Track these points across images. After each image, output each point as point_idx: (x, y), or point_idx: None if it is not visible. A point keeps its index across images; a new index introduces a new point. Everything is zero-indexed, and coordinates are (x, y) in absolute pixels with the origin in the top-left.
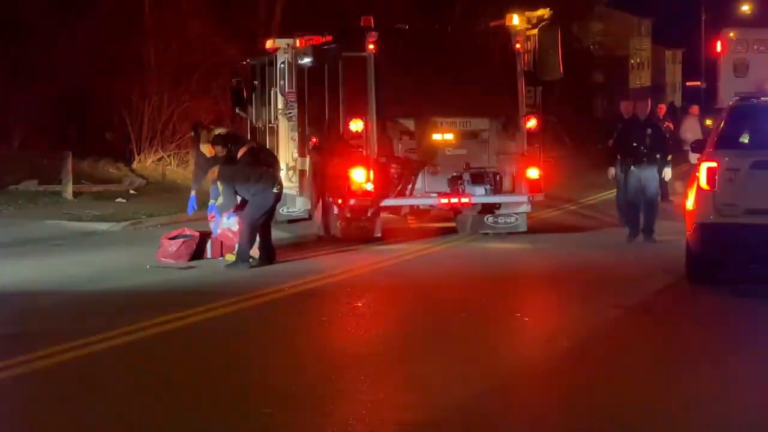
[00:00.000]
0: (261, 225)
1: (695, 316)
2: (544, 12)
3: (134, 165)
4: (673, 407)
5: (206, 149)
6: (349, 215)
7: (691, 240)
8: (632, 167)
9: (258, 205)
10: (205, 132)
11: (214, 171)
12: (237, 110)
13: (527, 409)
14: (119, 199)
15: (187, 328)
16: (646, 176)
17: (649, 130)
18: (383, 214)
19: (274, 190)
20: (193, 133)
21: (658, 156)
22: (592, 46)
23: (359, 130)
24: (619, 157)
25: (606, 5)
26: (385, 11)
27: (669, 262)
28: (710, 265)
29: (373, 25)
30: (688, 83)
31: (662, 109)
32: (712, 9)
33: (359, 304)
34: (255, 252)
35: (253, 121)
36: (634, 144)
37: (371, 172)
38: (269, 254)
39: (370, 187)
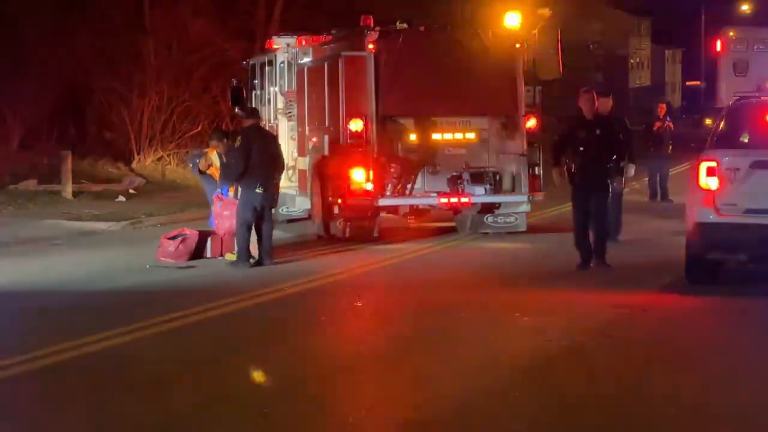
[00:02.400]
0: (256, 224)
1: (694, 316)
2: (544, 12)
3: (134, 164)
4: (672, 406)
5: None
6: (349, 215)
7: (690, 240)
8: (578, 182)
9: (244, 202)
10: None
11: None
12: (236, 109)
13: (527, 408)
14: (119, 199)
15: (186, 327)
16: (596, 193)
17: (598, 131)
18: (383, 214)
19: (257, 190)
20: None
21: (610, 165)
22: (591, 46)
23: (359, 129)
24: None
25: (605, 5)
26: (385, 10)
27: (668, 261)
28: (709, 265)
29: (372, 25)
30: (687, 83)
31: (663, 108)
32: (712, 8)
33: (359, 304)
34: (254, 251)
35: None
36: (581, 149)
37: (371, 172)
38: (266, 253)
39: (370, 186)
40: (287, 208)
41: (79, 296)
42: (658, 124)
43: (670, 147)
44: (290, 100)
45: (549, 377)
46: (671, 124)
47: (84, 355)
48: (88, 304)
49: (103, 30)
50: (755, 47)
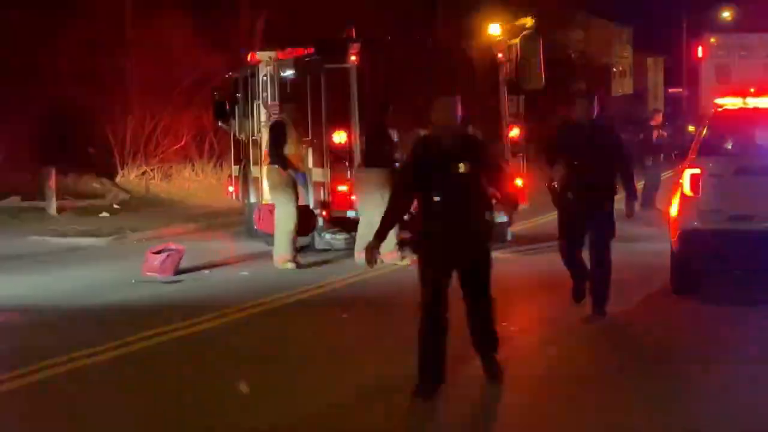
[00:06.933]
0: None
1: (680, 324)
2: (525, 21)
3: (117, 179)
4: (663, 414)
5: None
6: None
7: (675, 247)
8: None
9: None
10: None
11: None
12: (219, 123)
13: (517, 418)
14: (103, 214)
15: (172, 342)
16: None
17: (462, 166)
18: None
19: None
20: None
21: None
22: (573, 54)
23: (342, 141)
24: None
25: (587, 13)
26: (366, 22)
27: (653, 270)
28: (695, 273)
29: (355, 37)
30: (670, 90)
31: (659, 117)
32: (693, 15)
33: (344, 316)
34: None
35: (236, 134)
36: (435, 197)
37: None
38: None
39: (354, 197)
40: None
41: (64, 312)
42: (655, 133)
43: (662, 156)
44: (273, 113)
45: (537, 386)
46: (665, 133)
47: (70, 371)
48: (73, 320)
49: (84, 44)
50: (737, 53)
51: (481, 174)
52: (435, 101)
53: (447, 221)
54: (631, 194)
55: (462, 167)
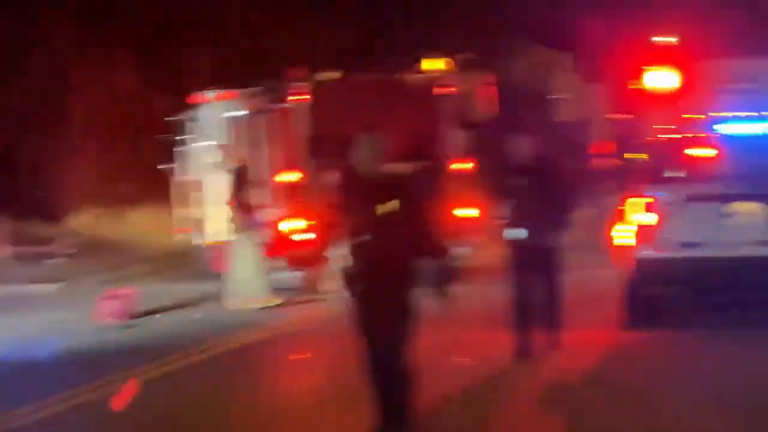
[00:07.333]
0: None
1: (635, 352)
2: (468, 55)
3: (68, 223)
4: None
5: None
6: (291, 266)
7: (627, 276)
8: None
9: None
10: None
11: None
12: (163, 165)
13: None
14: (54, 260)
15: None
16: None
17: (382, 207)
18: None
19: None
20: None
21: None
22: (515, 85)
23: (294, 180)
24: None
25: (527, 42)
26: (310, 59)
27: (606, 297)
28: (648, 300)
29: (302, 76)
30: (614, 117)
31: (604, 145)
32: (635, 42)
33: (308, 355)
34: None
35: (181, 176)
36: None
37: (310, 222)
38: None
39: (310, 236)
40: None
41: (16, 362)
42: (600, 161)
43: (607, 183)
44: (224, 154)
45: (493, 418)
46: (611, 161)
47: (18, 428)
48: (26, 370)
49: (29, 87)
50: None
51: (408, 216)
52: (356, 140)
53: (368, 264)
54: (562, 225)
55: (382, 208)
